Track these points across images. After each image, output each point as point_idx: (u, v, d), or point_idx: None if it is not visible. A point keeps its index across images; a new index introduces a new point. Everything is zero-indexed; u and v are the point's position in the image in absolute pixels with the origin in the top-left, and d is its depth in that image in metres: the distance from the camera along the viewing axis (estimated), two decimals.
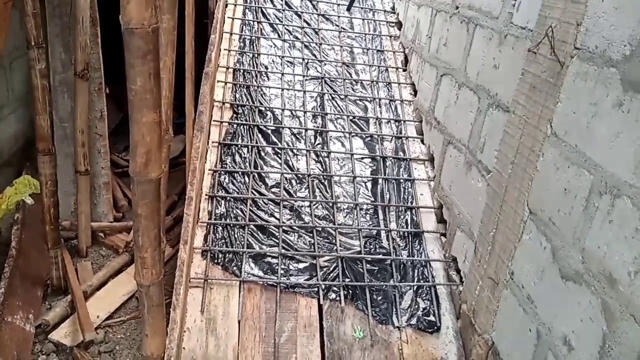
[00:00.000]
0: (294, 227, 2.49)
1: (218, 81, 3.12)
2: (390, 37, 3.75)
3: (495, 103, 2.11)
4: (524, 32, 1.92)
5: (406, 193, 2.76)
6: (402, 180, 2.81)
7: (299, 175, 2.77)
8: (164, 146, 1.71)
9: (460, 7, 2.56)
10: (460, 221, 2.34)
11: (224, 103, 3.01)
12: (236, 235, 2.41)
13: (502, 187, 1.95)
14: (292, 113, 3.12)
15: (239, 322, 2.10)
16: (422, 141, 3.05)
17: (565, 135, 1.58)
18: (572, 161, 1.53)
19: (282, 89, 3.23)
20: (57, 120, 3.03)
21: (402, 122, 3.16)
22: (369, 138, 3.06)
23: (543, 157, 1.69)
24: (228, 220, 2.46)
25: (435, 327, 2.21)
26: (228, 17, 3.54)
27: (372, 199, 2.72)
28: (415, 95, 3.28)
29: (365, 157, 2.95)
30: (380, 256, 2.43)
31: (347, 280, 2.30)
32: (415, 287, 2.34)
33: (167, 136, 1.63)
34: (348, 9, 3.34)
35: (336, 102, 3.26)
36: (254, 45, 3.47)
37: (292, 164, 2.83)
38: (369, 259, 2.40)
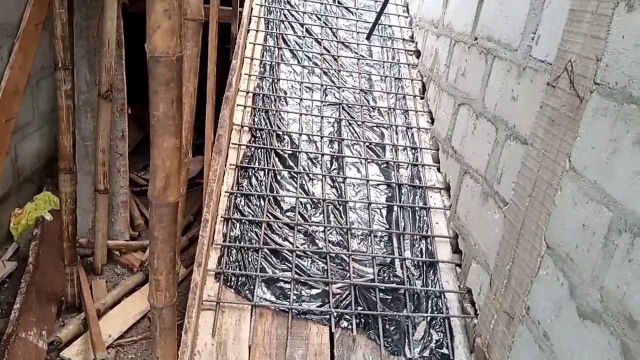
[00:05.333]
0: (308, 252, 2.49)
1: (238, 105, 3.17)
2: (409, 65, 3.78)
3: (513, 135, 2.10)
4: (543, 65, 1.93)
5: (421, 221, 2.74)
6: (417, 208, 2.80)
7: (314, 200, 2.77)
8: (182, 169, 1.73)
9: (479, 38, 2.58)
10: (476, 252, 2.31)
11: (242, 126, 3.06)
12: (250, 259, 2.41)
13: (519, 219, 1.93)
14: (309, 138, 3.15)
15: (249, 347, 2.09)
16: (439, 169, 3.04)
17: (584, 171, 1.56)
18: (591, 197, 1.51)
19: (300, 114, 3.27)
20: (80, 139, 3.11)
21: (419, 149, 3.16)
22: (385, 165, 3.07)
23: (561, 191, 1.67)
24: (242, 243, 2.47)
25: None
26: (250, 43, 3.61)
27: (387, 226, 2.71)
28: (432, 123, 3.29)
29: (381, 184, 2.95)
30: (394, 285, 2.40)
31: (360, 308, 2.28)
32: (428, 318, 2.30)
33: (186, 159, 1.65)
34: (368, 38, 3.38)
35: (353, 128, 3.28)
36: (274, 70, 3.52)
37: (308, 189, 2.84)
38: (383, 287, 2.38)
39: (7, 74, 2.67)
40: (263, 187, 2.77)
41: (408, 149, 3.19)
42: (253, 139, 3.05)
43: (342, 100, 3.42)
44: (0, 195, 2.81)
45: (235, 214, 2.60)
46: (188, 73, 1.61)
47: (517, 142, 2.07)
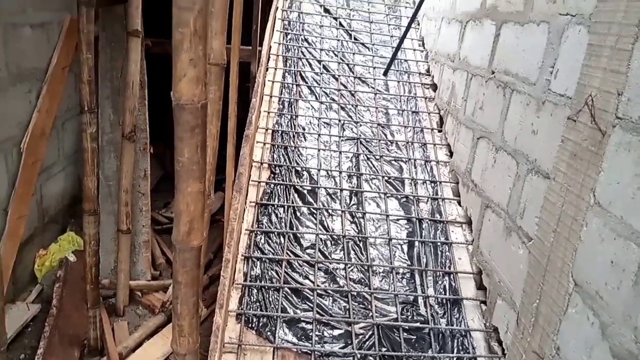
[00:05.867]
0: (329, 291, 2.46)
1: (257, 142, 3.21)
2: (426, 98, 3.80)
3: (535, 169, 2.08)
4: (563, 99, 1.92)
5: (444, 257, 2.70)
6: (439, 244, 2.76)
7: (334, 237, 2.76)
8: (205, 211, 1.75)
9: (497, 72, 2.59)
10: (501, 289, 2.26)
11: (262, 163, 3.09)
12: (271, 299, 2.39)
13: (545, 256, 1.89)
14: (327, 173, 3.16)
15: None
16: (459, 203, 3.01)
17: (609, 206, 1.53)
18: (618, 233, 1.47)
19: (319, 150, 3.29)
20: (103, 178, 3.17)
21: (438, 183, 3.15)
22: (404, 199, 3.06)
23: (587, 227, 1.64)
24: (263, 282, 2.45)
25: None
26: (268, 81, 3.68)
27: (409, 263, 2.67)
28: (451, 156, 3.28)
29: (401, 219, 2.93)
30: (418, 324, 2.35)
31: (384, 349, 2.23)
32: (455, 359, 2.24)
33: (208, 201, 1.67)
34: (385, 74, 3.43)
35: (371, 162, 3.29)
36: (292, 107, 3.58)
37: (328, 225, 2.84)
38: (406, 327, 2.33)
39: (35, 117, 2.76)
40: (283, 224, 2.77)
41: (427, 182, 3.17)
42: (272, 175, 3.07)
43: (360, 135, 3.44)
44: (26, 236, 2.85)
45: (256, 252, 2.60)
46: (211, 116, 1.64)
47: (539, 177, 2.04)
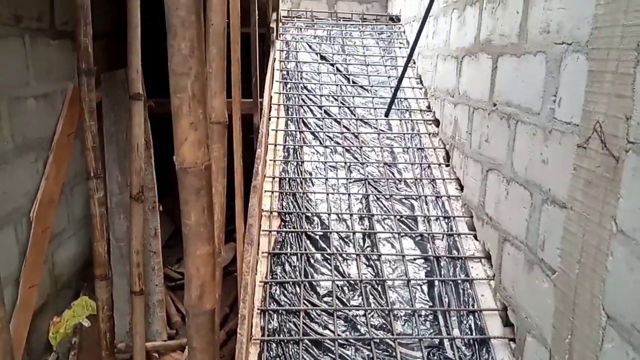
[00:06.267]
0: (350, 340, 2.38)
1: (265, 191, 3.20)
2: (429, 134, 3.80)
3: (550, 199, 2.03)
4: (570, 127, 1.90)
5: (466, 295, 2.62)
6: (459, 281, 2.69)
7: (351, 282, 2.70)
8: (217, 270, 1.71)
9: (498, 104, 2.59)
10: (530, 325, 2.17)
11: (271, 212, 3.06)
12: (291, 352, 2.31)
13: (571, 288, 1.82)
14: (338, 217, 3.13)
15: None
16: (475, 237, 2.95)
17: (634, 233, 1.48)
18: None
19: (327, 194, 3.27)
20: (114, 240, 3.15)
21: (452, 218, 3.09)
22: (419, 237, 3.00)
23: (612, 256, 1.58)
24: (281, 335, 2.38)
25: None
26: (272, 130, 3.71)
27: (430, 304, 2.59)
28: (461, 190, 3.24)
29: (418, 258, 2.87)
30: None
31: None
32: None
33: (219, 259, 1.64)
34: (386, 115, 3.44)
35: (382, 202, 3.26)
36: (298, 153, 3.58)
37: (343, 270, 2.78)
38: None
39: (43, 185, 2.77)
40: (297, 273, 2.72)
41: (441, 218, 3.12)
42: (283, 223, 3.04)
43: (368, 176, 3.43)
44: (39, 305, 2.81)
45: (272, 304, 2.53)
46: (216, 174, 1.63)
47: (555, 206, 1.99)
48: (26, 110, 2.68)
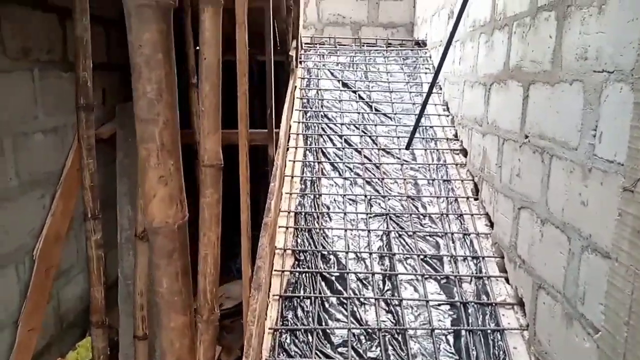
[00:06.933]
0: None
1: (279, 226, 3.03)
2: (457, 165, 3.57)
3: (591, 246, 1.78)
4: (613, 166, 1.66)
5: (496, 347, 2.35)
6: (489, 331, 2.43)
7: (369, 330, 2.47)
8: (209, 329, 1.53)
9: (530, 136, 2.36)
10: None
11: (285, 250, 2.88)
12: None
13: (619, 353, 1.56)
14: (356, 255, 2.92)
15: None
16: (507, 280, 2.68)
17: None
18: None
19: (345, 230, 3.07)
20: (122, 278, 3.02)
21: (481, 259, 2.84)
22: (444, 280, 2.76)
23: None
24: None
25: None
26: (289, 161, 3.56)
27: (457, 357, 2.34)
28: (491, 227, 2.99)
29: (443, 304, 2.62)
30: None
31: None
32: None
33: (212, 317, 1.47)
34: (407, 147, 3.24)
35: (404, 239, 3.03)
36: (315, 185, 3.41)
37: (360, 316, 2.55)
38: None
39: (49, 221, 2.68)
40: (310, 319, 2.51)
41: (469, 259, 2.87)
42: (297, 262, 2.85)
43: (389, 210, 3.22)
44: (41, 346, 2.69)
45: (281, 354, 2.33)
46: (209, 222, 1.47)
47: (596, 255, 1.74)
48: (33, 145, 2.60)
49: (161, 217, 0.98)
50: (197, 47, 1.90)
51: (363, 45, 5.42)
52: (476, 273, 2.77)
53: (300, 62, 4.67)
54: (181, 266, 1.03)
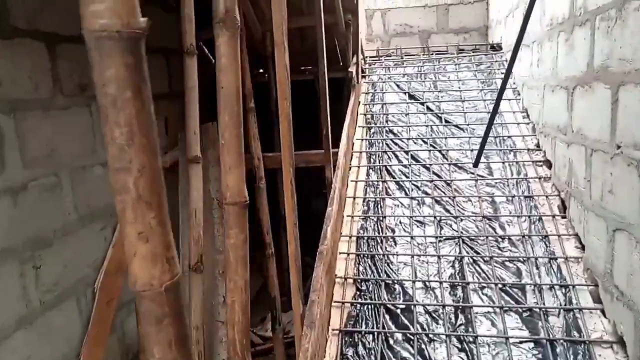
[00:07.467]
0: None
1: (340, 252, 2.85)
2: (540, 178, 3.19)
3: None
4: None
5: None
6: None
7: None
8: None
9: (623, 146, 1.99)
10: None
11: (346, 279, 2.69)
12: None
13: None
14: (425, 285, 2.65)
15: None
16: (603, 313, 2.29)
17: None
18: None
19: (412, 255, 2.81)
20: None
21: (571, 287, 2.46)
22: (527, 313, 2.41)
23: None
24: None
25: None
26: (351, 181, 3.38)
27: None
28: (582, 249, 2.59)
29: (526, 341, 2.28)
30: None
31: None
32: None
33: None
34: (475, 165, 2.92)
35: (479, 266, 2.71)
36: (379, 207, 3.19)
37: (429, 355, 2.29)
38: None
39: (110, 253, 2.70)
40: (372, 357, 2.29)
41: (556, 287, 2.50)
42: (358, 292, 2.64)
43: (462, 232, 2.91)
44: None
45: None
46: (235, 265, 1.33)
47: None
48: (92, 178, 2.64)
49: (145, 278, 0.84)
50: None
51: (432, 54, 5.13)
52: (565, 304, 2.39)
53: (364, 77, 4.49)
54: (174, 333, 0.88)
